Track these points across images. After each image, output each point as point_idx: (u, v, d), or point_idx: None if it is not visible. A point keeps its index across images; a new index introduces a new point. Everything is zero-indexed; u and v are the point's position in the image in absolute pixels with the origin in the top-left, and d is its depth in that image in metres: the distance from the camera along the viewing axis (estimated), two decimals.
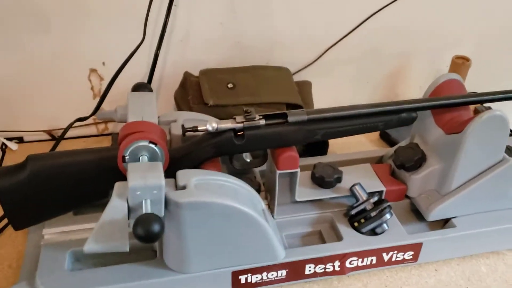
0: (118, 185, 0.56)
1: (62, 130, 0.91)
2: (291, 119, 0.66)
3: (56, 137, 0.97)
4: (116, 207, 0.54)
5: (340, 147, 0.97)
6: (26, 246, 0.69)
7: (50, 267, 0.64)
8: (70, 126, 0.88)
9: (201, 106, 0.84)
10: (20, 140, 0.97)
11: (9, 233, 0.75)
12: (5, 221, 0.75)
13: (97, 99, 0.94)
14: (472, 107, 0.70)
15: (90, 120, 0.96)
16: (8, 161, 0.91)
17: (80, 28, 0.87)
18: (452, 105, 0.70)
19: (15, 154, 0.93)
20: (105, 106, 0.92)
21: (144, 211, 0.54)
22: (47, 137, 0.98)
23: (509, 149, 0.78)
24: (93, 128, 1.00)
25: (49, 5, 0.84)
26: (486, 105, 1.02)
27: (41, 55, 0.88)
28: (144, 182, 0.54)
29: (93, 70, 0.92)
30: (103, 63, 0.92)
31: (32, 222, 0.66)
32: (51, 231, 0.69)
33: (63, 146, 0.93)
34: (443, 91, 0.73)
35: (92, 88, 0.94)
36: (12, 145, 0.94)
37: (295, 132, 0.66)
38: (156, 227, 0.51)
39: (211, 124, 0.63)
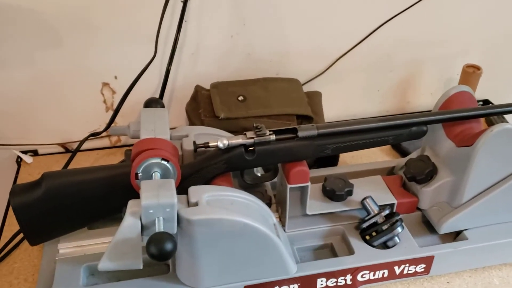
0: (131, 203, 0.57)
1: (75, 143, 0.93)
2: (301, 134, 0.66)
3: (70, 150, 0.98)
4: (129, 225, 0.55)
5: (351, 156, 0.98)
6: (41, 260, 0.70)
7: (65, 282, 0.65)
8: (84, 141, 0.90)
9: (212, 119, 0.85)
10: (34, 153, 0.98)
11: (25, 247, 0.76)
12: (21, 236, 0.76)
13: (110, 112, 0.95)
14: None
15: (103, 133, 0.98)
16: (23, 174, 0.93)
17: (92, 43, 0.88)
18: (463, 118, 0.70)
19: (30, 167, 0.95)
20: (117, 119, 0.94)
21: (157, 229, 0.54)
22: (61, 149, 0.99)
23: None
24: (106, 140, 1.01)
25: (61, 21, 0.85)
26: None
27: (54, 69, 0.90)
28: (157, 200, 0.55)
29: (105, 84, 0.94)
30: (115, 77, 0.93)
31: (47, 238, 0.68)
32: (66, 246, 0.70)
33: (77, 158, 0.94)
34: (454, 103, 0.73)
35: (104, 101, 0.96)
36: (27, 158, 0.96)
37: (305, 147, 0.67)
38: (169, 246, 0.52)
39: (222, 141, 0.64)
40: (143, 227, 0.56)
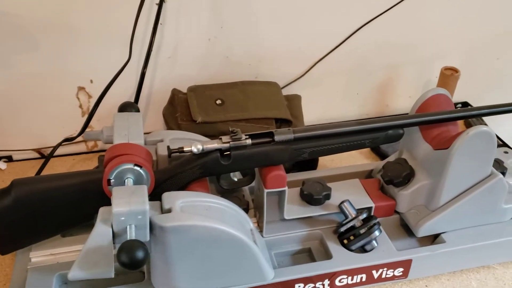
0: (102, 210, 0.56)
1: (51, 148, 0.90)
2: (277, 138, 0.66)
3: (46, 155, 0.96)
4: (100, 233, 0.54)
5: (330, 159, 0.97)
6: (13, 269, 0.68)
7: None
8: (57, 146, 0.88)
9: (189, 123, 0.84)
10: (9, 159, 0.96)
11: None
12: None
13: (86, 116, 0.94)
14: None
15: (79, 137, 0.96)
16: None
17: (68, 47, 0.87)
18: (439, 121, 0.70)
19: (4, 174, 0.93)
20: (93, 123, 0.92)
21: (128, 237, 0.53)
22: (36, 155, 0.97)
23: (498, 162, 0.78)
24: (83, 145, 0.99)
25: (36, 24, 0.84)
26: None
27: (29, 73, 0.88)
28: (128, 207, 0.54)
29: (81, 88, 0.92)
30: (91, 81, 0.91)
31: (19, 246, 0.66)
32: (39, 254, 0.68)
33: (53, 163, 0.92)
34: (431, 106, 0.73)
35: (80, 106, 0.94)
36: (1, 164, 0.94)
37: (282, 151, 0.66)
38: (140, 254, 0.51)
39: (196, 145, 0.63)
40: (114, 235, 0.55)
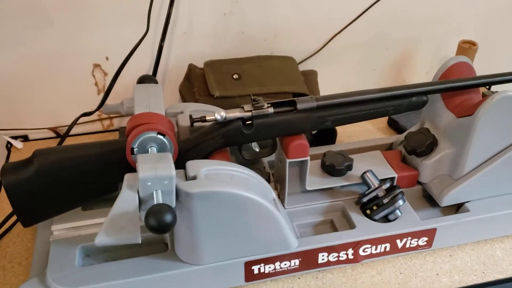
0: (128, 176, 0.56)
1: (66, 127, 0.90)
2: (300, 106, 0.65)
3: (61, 134, 0.96)
4: (126, 199, 0.54)
5: (348, 136, 0.96)
6: (35, 242, 0.68)
7: (61, 263, 0.63)
8: (75, 121, 0.87)
9: (207, 98, 0.84)
10: (25, 138, 0.96)
11: (18, 231, 0.74)
12: (13, 219, 0.74)
13: (101, 94, 0.93)
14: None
15: (95, 116, 0.96)
16: (14, 160, 0.90)
17: (82, 23, 0.86)
18: (463, 88, 0.69)
19: (21, 153, 0.92)
20: (109, 101, 0.91)
21: (155, 202, 0.53)
22: (52, 134, 0.97)
23: None
24: (98, 124, 0.99)
25: (51, 1, 0.83)
26: (494, 88, 1.01)
27: (44, 51, 0.87)
28: (154, 172, 0.53)
29: (96, 66, 0.91)
30: (107, 58, 0.91)
31: (41, 218, 0.65)
32: (60, 227, 0.68)
33: (68, 142, 0.90)
34: (453, 74, 0.72)
35: (96, 84, 0.93)
36: (17, 144, 0.93)
37: (304, 119, 0.65)
38: (168, 217, 0.50)
39: (219, 113, 0.63)
40: (140, 201, 0.54)
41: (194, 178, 0.58)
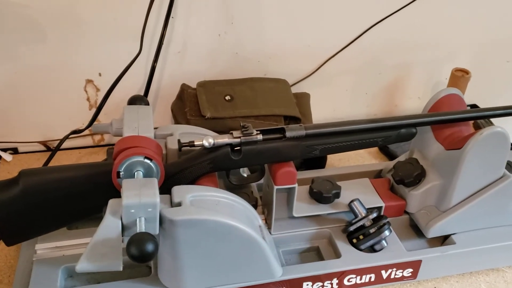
0: (112, 202, 0.55)
1: (57, 141, 0.90)
2: (289, 134, 0.65)
3: (51, 148, 0.96)
4: (109, 225, 0.53)
5: (339, 159, 0.97)
6: (18, 261, 0.68)
7: (42, 283, 0.63)
8: (65, 138, 0.87)
9: (198, 118, 0.84)
10: (14, 151, 0.96)
11: (1, 247, 0.74)
12: None
13: (93, 110, 0.93)
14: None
15: (86, 131, 0.95)
16: (2, 172, 0.90)
17: (77, 39, 0.86)
18: (452, 121, 0.70)
19: (10, 165, 0.92)
20: (101, 117, 0.92)
21: (138, 230, 0.53)
22: (42, 148, 0.97)
23: (510, 165, 0.77)
24: (89, 139, 0.99)
25: (45, 15, 0.83)
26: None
27: (37, 65, 0.87)
28: (138, 200, 0.53)
29: (89, 81, 0.91)
30: (100, 74, 0.91)
31: (25, 238, 0.65)
32: (44, 246, 0.68)
33: (59, 157, 0.91)
34: (443, 106, 0.73)
35: (88, 99, 0.93)
36: (7, 156, 0.93)
37: (293, 147, 0.65)
38: (150, 247, 0.50)
39: (208, 139, 0.62)
40: (123, 227, 0.54)
41: (179, 204, 0.58)
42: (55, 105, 0.93)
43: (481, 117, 0.70)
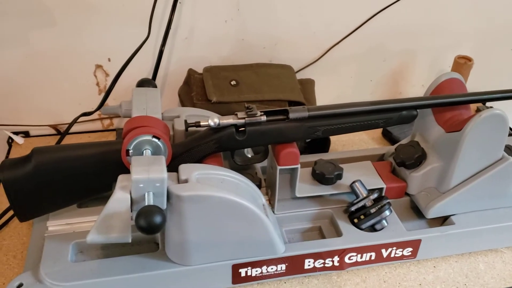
0: (121, 177, 0.58)
1: (67, 125, 0.92)
2: (292, 115, 0.67)
3: (62, 132, 0.98)
4: (119, 199, 0.56)
5: (342, 144, 0.98)
6: (30, 237, 0.70)
7: (54, 258, 0.65)
8: (75, 121, 0.89)
9: (204, 102, 0.86)
10: (26, 134, 0.98)
11: (14, 225, 0.76)
12: (10, 213, 0.76)
13: (102, 94, 0.95)
14: (474, 107, 0.70)
15: (95, 115, 0.98)
16: (15, 155, 0.93)
17: (86, 24, 0.88)
18: (453, 104, 0.71)
19: (21, 148, 0.95)
20: (109, 102, 0.94)
21: (146, 203, 0.55)
22: (52, 131, 0.99)
23: (509, 149, 0.79)
24: (98, 123, 1.01)
25: (55, 1, 0.85)
26: (488, 104, 1.03)
27: (47, 50, 0.90)
28: (147, 175, 0.55)
29: (98, 66, 0.93)
30: (109, 59, 0.93)
31: (37, 214, 0.68)
32: (55, 223, 0.70)
33: (68, 141, 0.94)
34: (444, 89, 0.74)
35: (97, 84, 0.95)
36: (18, 139, 0.96)
37: (296, 128, 0.67)
38: (157, 219, 0.52)
39: (213, 119, 0.64)
40: (132, 202, 0.56)
41: (186, 181, 0.60)
42: (65, 90, 0.95)
43: (480, 100, 0.72)
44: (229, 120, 0.66)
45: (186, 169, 0.62)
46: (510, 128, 0.93)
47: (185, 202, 0.58)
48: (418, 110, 0.71)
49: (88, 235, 0.55)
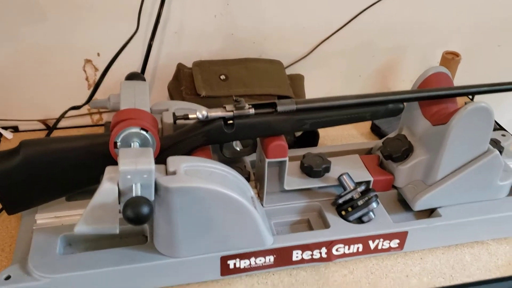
0: (109, 169, 0.58)
1: (55, 121, 0.92)
2: (280, 108, 0.67)
3: (51, 127, 0.98)
4: (106, 190, 0.56)
5: (331, 139, 0.99)
6: (19, 230, 0.70)
7: (42, 250, 0.65)
8: (64, 114, 0.89)
9: (193, 97, 0.86)
10: (15, 129, 0.98)
11: (2, 218, 0.76)
12: None
13: (92, 89, 0.95)
14: (462, 103, 0.71)
15: (84, 110, 0.98)
16: (3, 150, 0.92)
17: (76, 19, 0.88)
18: (439, 97, 0.72)
19: (10, 143, 0.94)
20: (98, 96, 0.93)
21: (134, 195, 0.55)
22: (42, 126, 0.99)
23: (495, 142, 0.80)
24: (87, 118, 1.01)
25: None
26: (476, 99, 1.04)
27: (36, 45, 0.89)
28: (134, 166, 0.55)
29: (88, 61, 0.93)
30: (98, 54, 0.93)
31: (25, 207, 0.68)
32: (44, 216, 0.70)
33: (57, 135, 0.94)
34: (431, 83, 0.75)
35: (86, 79, 0.95)
36: (7, 134, 0.95)
37: (284, 121, 0.68)
38: (145, 210, 0.52)
39: (201, 112, 0.65)
40: (120, 193, 0.56)
41: (174, 173, 0.60)
42: (55, 85, 0.95)
43: (467, 94, 0.73)
44: (217, 113, 0.66)
45: (174, 161, 0.62)
46: (495, 122, 0.95)
47: (173, 194, 0.58)
48: (405, 103, 0.72)
49: (76, 226, 0.55)
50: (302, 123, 0.68)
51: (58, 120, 0.89)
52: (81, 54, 0.93)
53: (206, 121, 0.66)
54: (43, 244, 0.66)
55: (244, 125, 0.67)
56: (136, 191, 0.55)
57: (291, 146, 0.87)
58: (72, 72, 0.94)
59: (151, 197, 0.58)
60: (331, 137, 0.99)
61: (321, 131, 0.90)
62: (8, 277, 0.62)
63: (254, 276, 0.69)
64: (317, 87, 1.06)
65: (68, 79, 0.95)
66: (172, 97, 0.90)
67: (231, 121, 0.67)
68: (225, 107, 0.67)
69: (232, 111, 0.66)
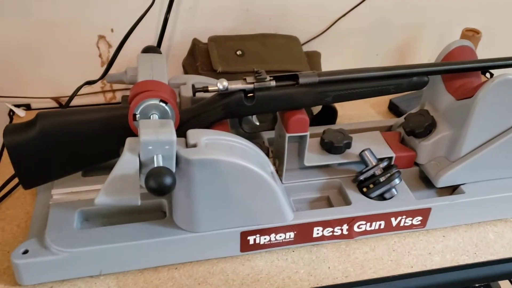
0: (129, 140, 0.56)
1: (69, 97, 0.91)
2: (302, 80, 0.66)
3: (63, 104, 0.97)
4: (127, 161, 0.54)
5: (349, 118, 0.97)
6: (35, 205, 0.69)
7: (59, 225, 0.64)
8: (78, 89, 0.88)
9: (209, 72, 0.84)
10: (27, 107, 0.96)
11: (18, 195, 0.75)
12: (13, 183, 0.75)
13: (105, 66, 0.93)
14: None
15: (98, 88, 0.97)
16: None
17: None
18: (463, 70, 0.70)
19: (22, 121, 0.93)
20: (112, 71, 0.92)
21: (155, 166, 0.53)
22: (54, 104, 0.98)
23: None
24: (101, 96, 0.99)
25: None
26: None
27: (49, 21, 0.88)
28: (156, 136, 0.54)
29: (101, 37, 0.92)
30: (112, 30, 0.91)
31: (41, 181, 0.66)
32: (60, 191, 0.69)
33: None
34: (455, 57, 0.73)
35: (100, 55, 0.94)
36: (20, 112, 0.94)
37: (305, 94, 0.66)
38: (168, 180, 0.51)
39: (222, 82, 0.63)
40: (141, 164, 0.55)
41: (194, 146, 0.59)
42: (68, 62, 0.93)
43: (492, 67, 0.71)
44: (237, 85, 0.65)
45: (195, 134, 0.60)
46: None
47: (194, 166, 0.57)
48: (429, 77, 0.70)
49: (96, 198, 0.54)
50: (324, 96, 0.67)
51: (73, 96, 0.88)
52: (94, 30, 0.91)
53: (226, 94, 0.65)
54: (60, 219, 0.65)
55: (264, 97, 0.65)
56: (158, 162, 0.54)
57: (309, 123, 0.85)
58: (85, 49, 0.93)
59: (172, 169, 0.56)
60: (348, 116, 0.97)
61: (339, 110, 0.89)
62: (25, 251, 0.61)
63: (274, 253, 0.68)
64: (334, 65, 1.01)
65: (81, 56, 0.93)
66: (187, 73, 0.88)
67: (251, 94, 0.65)
68: (245, 79, 0.65)
69: (253, 83, 0.65)
